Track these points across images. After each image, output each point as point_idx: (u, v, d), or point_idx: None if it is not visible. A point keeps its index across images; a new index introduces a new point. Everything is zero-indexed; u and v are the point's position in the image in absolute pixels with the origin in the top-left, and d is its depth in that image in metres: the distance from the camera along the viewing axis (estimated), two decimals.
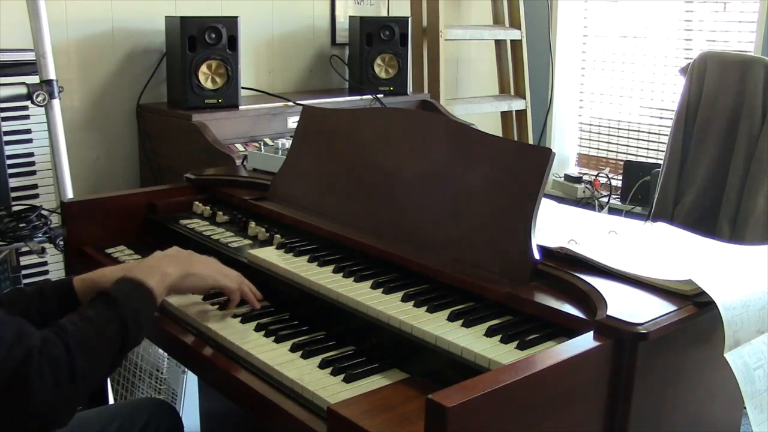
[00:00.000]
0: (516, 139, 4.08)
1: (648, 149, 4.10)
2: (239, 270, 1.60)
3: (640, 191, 3.87)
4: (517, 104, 4.06)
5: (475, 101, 4.00)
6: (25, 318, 1.39)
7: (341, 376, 1.22)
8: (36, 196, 2.59)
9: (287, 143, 2.02)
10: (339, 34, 3.67)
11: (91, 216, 1.89)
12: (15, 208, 2.29)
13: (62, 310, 1.43)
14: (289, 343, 1.34)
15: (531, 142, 4.11)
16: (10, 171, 2.50)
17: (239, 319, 1.45)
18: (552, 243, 1.40)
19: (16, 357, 1.07)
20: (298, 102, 3.03)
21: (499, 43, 4.09)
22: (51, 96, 2.31)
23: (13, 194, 2.50)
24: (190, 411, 2.40)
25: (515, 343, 1.18)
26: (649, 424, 1.17)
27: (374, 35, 3.44)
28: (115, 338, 1.20)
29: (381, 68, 3.46)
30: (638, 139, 4.14)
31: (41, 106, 2.31)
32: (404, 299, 1.36)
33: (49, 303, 1.42)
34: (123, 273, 1.47)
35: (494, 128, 4.11)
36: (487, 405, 0.94)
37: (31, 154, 2.59)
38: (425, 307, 1.32)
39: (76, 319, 1.19)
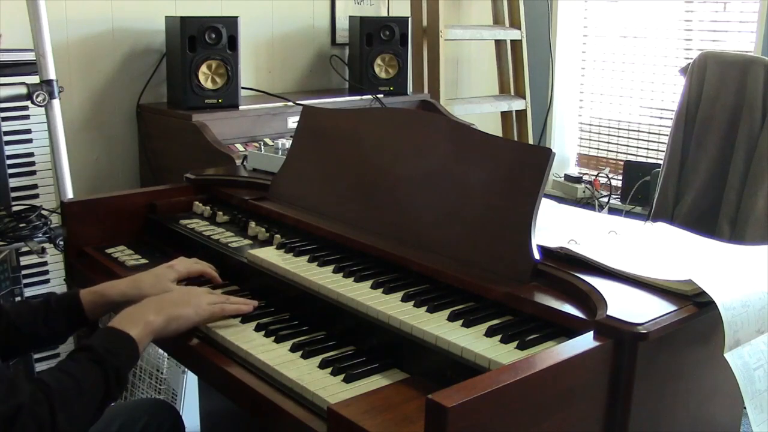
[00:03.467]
0: (516, 139, 4.07)
1: (648, 149, 4.10)
2: (239, 270, 1.61)
3: (640, 191, 3.87)
4: (517, 104, 4.06)
5: (475, 101, 4.00)
6: (32, 330, 1.40)
7: (341, 376, 1.22)
8: (36, 196, 2.59)
9: (287, 143, 2.02)
10: (339, 34, 3.67)
11: (91, 216, 1.89)
12: (15, 208, 2.29)
13: (69, 323, 1.44)
14: (289, 343, 1.34)
15: (531, 142, 4.11)
16: (10, 171, 2.50)
17: (239, 319, 1.45)
18: (552, 243, 1.40)
19: (4, 414, 1.07)
20: (298, 102, 3.03)
21: (499, 43, 4.09)
22: (51, 96, 2.31)
23: (13, 194, 2.50)
24: (190, 411, 2.40)
25: (515, 343, 1.18)
26: (649, 424, 1.17)
27: (374, 35, 3.44)
28: (95, 395, 1.20)
29: (381, 68, 3.46)
30: (638, 139, 4.14)
31: (41, 106, 2.31)
32: (404, 299, 1.36)
33: (56, 315, 1.42)
34: (127, 287, 1.48)
35: (494, 128, 4.11)
36: (487, 405, 0.94)
37: (31, 154, 2.59)
38: (425, 307, 1.32)
39: (59, 375, 1.19)
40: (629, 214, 3.78)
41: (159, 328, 1.33)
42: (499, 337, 1.21)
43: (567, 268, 1.32)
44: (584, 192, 4.16)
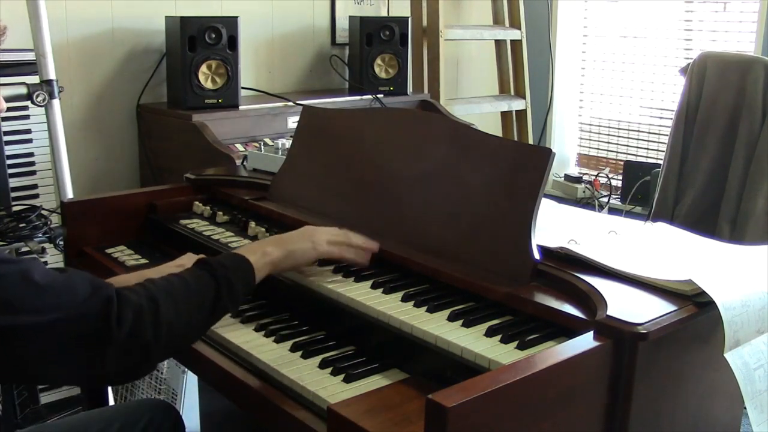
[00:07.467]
0: (516, 139, 4.07)
1: (648, 149, 4.10)
2: None
3: (640, 191, 3.87)
4: (517, 104, 4.06)
5: (475, 101, 4.00)
6: None
7: (341, 376, 1.22)
8: (36, 196, 2.59)
9: (287, 143, 2.02)
10: (339, 34, 3.67)
11: (91, 216, 1.89)
12: (15, 208, 2.29)
13: None
14: (289, 343, 1.34)
15: (531, 142, 4.11)
16: (10, 171, 2.49)
17: (239, 318, 1.45)
18: (552, 243, 1.40)
19: (97, 309, 1.08)
20: (298, 102, 3.03)
21: (499, 43, 4.09)
22: (51, 96, 2.31)
23: (13, 194, 2.50)
24: (190, 411, 2.40)
25: (515, 343, 1.18)
26: (649, 424, 1.17)
27: (374, 35, 3.43)
28: (205, 297, 1.22)
29: (381, 68, 3.46)
30: (638, 139, 4.14)
31: (41, 106, 2.31)
32: (404, 299, 1.36)
33: None
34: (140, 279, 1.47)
35: (494, 128, 4.11)
36: (487, 405, 0.94)
37: (31, 154, 2.58)
38: (425, 307, 1.32)
39: (165, 276, 1.22)
40: (629, 214, 3.78)
41: (277, 260, 1.37)
42: (499, 337, 1.21)
43: (567, 268, 1.32)
44: (584, 192, 4.16)
